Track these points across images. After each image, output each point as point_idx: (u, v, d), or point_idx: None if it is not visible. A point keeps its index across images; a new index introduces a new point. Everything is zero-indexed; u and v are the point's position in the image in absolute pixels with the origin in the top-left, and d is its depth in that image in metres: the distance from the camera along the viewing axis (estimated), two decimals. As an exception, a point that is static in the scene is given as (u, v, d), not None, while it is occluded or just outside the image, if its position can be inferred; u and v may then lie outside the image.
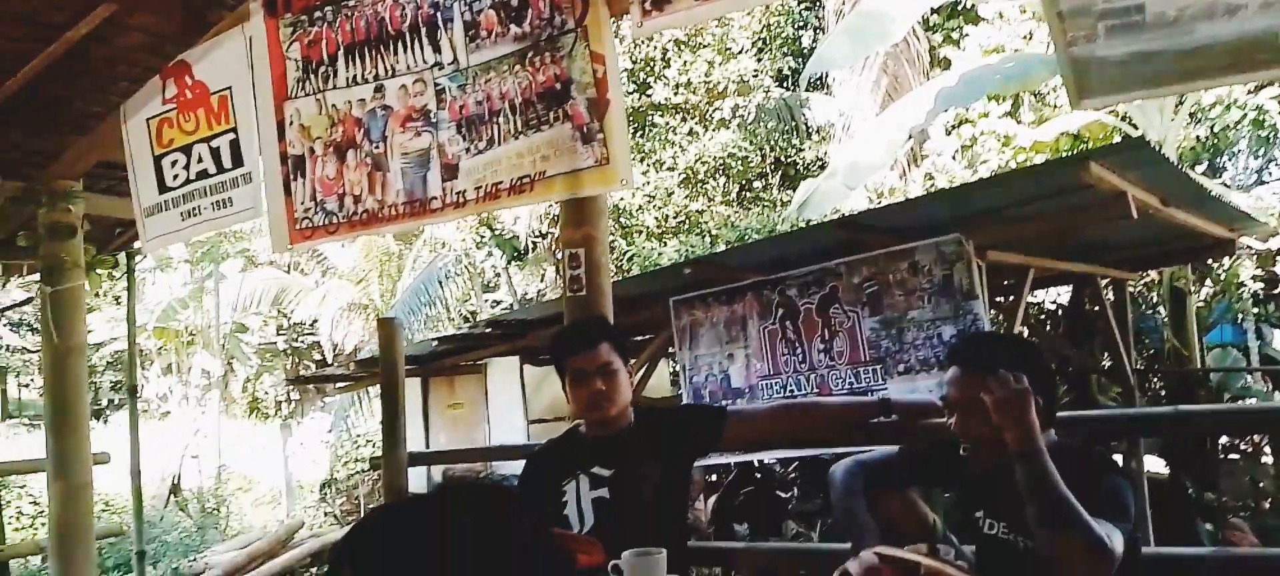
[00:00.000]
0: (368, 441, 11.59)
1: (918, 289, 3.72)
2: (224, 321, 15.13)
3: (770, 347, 4.24)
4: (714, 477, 6.56)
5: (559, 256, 10.41)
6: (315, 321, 14.72)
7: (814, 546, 4.76)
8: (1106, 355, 6.59)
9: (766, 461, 6.29)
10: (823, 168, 10.25)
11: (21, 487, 9.06)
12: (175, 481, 11.46)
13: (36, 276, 3.99)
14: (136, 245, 4.78)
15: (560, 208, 3.19)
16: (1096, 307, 6.42)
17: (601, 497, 2.27)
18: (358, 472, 11.51)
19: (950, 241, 3.64)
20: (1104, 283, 6.32)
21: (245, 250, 15.73)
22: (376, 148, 2.84)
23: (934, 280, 3.68)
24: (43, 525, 6.97)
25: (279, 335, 16.78)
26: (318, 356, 15.14)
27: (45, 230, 3.86)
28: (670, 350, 5.14)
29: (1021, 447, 1.72)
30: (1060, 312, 7.68)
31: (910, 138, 7.55)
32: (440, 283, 11.21)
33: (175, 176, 3.29)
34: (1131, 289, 7.11)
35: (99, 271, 4.05)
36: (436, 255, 11.87)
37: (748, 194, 12.48)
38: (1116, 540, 1.64)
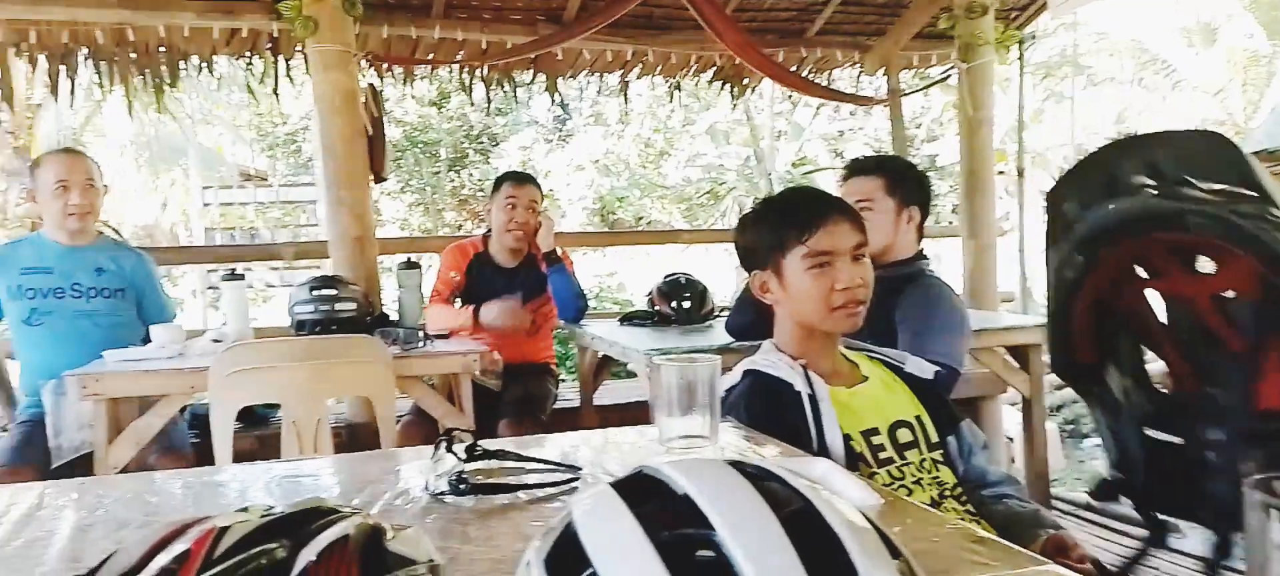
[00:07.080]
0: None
1: None
2: (1067, 143, 15.00)
3: None
4: None
5: None
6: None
7: None
8: None
9: None
10: None
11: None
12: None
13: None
14: (1029, 30, 4.96)
15: None
16: None
17: None
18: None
19: None
20: None
21: (1088, 67, 15.12)
22: None
23: None
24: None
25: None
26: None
27: (961, 11, 4.27)
28: None
29: None
30: None
31: None
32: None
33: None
34: None
35: (1005, 47, 4.32)
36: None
37: None
38: None
